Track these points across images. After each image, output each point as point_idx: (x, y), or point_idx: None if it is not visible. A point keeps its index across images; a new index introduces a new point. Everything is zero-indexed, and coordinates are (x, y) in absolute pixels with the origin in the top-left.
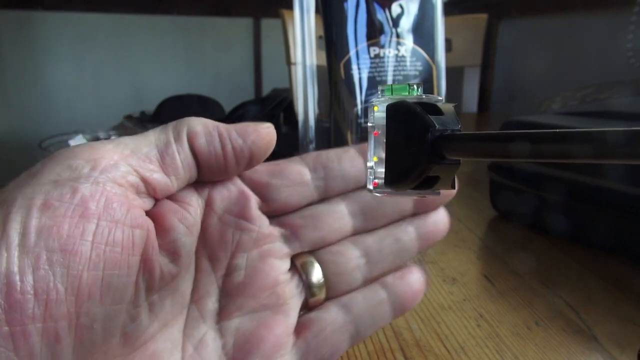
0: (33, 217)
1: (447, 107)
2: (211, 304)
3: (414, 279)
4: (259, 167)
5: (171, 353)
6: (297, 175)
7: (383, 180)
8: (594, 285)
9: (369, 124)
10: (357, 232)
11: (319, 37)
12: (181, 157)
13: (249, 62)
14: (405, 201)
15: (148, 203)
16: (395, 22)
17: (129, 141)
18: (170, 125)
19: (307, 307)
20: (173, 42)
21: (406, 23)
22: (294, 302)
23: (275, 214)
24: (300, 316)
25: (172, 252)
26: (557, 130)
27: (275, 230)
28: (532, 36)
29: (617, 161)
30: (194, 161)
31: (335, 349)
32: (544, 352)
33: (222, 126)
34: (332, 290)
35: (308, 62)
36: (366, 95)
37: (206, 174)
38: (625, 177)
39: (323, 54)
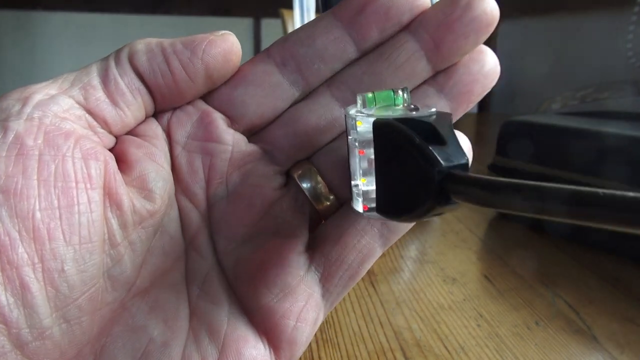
0: None
1: (446, 128)
2: (204, 241)
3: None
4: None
5: (177, 299)
6: (263, 76)
7: (374, 204)
8: (594, 285)
9: (350, 138)
10: None
11: None
12: (125, 80)
13: None
14: (420, 66)
15: (105, 140)
16: None
17: (69, 75)
18: (113, 51)
19: (321, 219)
20: None
21: None
22: (298, 219)
23: (254, 130)
24: (313, 230)
25: (142, 187)
26: (598, 190)
27: (254, 148)
28: (532, 36)
29: None
30: (142, 85)
31: (364, 253)
32: (544, 352)
33: (167, 41)
34: (344, 193)
35: None
36: None
37: (161, 99)
38: (626, 178)
39: None
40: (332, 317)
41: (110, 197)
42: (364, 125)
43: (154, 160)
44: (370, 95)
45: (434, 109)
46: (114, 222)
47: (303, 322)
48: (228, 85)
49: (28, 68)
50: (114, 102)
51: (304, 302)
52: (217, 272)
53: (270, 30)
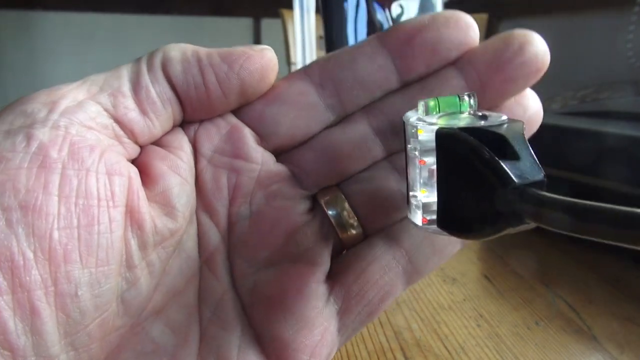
0: None
1: (518, 140)
2: (221, 261)
3: None
4: None
5: (188, 321)
6: (299, 96)
7: (434, 217)
8: (594, 285)
9: (410, 147)
10: (392, 154)
11: (319, 37)
12: (157, 89)
13: None
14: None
15: (130, 150)
16: (396, 22)
17: (98, 77)
18: (146, 54)
19: (343, 249)
20: (173, 42)
21: None
22: (321, 246)
23: (282, 150)
24: (336, 260)
25: (165, 204)
26: None
27: (282, 168)
28: None
29: None
30: (173, 95)
31: (385, 291)
32: (544, 352)
33: (204, 51)
34: (371, 225)
35: (308, 62)
36: None
37: (191, 111)
38: (626, 178)
39: (323, 54)
40: None
41: (132, 216)
42: (425, 134)
43: (178, 174)
44: (432, 102)
45: (504, 117)
46: (134, 243)
47: (316, 357)
48: (261, 101)
49: (28, 68)
50: (144, 112)
51: (319, 336)
52: (232, 296)
53: (270, 30)
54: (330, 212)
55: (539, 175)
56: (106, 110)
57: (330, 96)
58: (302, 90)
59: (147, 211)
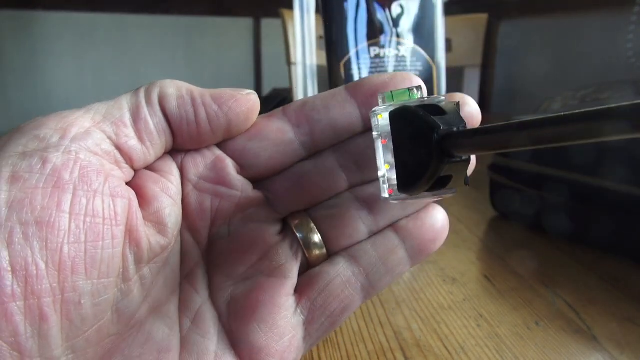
0: (2, 191)
1: (450, 106)
2: (201, 275)
3: (433, 218)
4: None
5: (170, 329)
6: (277, 134)
7: (396, 187)
8: (594, 285)
9: (375, 133)
10: (354, 186)
11: (319, 37)
12: (154, 121)
13: (249, 62)
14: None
15: (127, 174)
16: (396, 22)
17: (101, 107)
18: (143, 88)
19: (309, 266)
20: (173, 42)
21: (406, 23)
22: (291, 263)
23: (259, 179)
24: (302, 276)
25: (158, 222)
26: (557, 114)
27: (259, 194)
28: (532, 36)
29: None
30: (167, 126)
31: (346, 304)
32: (544, 352)
33: (197, 90)
34: (334, 246)
35: (308, 62)
36: None
37: (181, 142)
38: (626, 178)
39: (323, 54)
40: None
41: (130, 234)
42: (384, 118)
43: (169, 196)
44: (389, 93)
45: (443, 97)
46: (131, 259)
47: None
48: (244, 136)
49: (28, 68)
50: (141, 140)
51: (288, 342)
52: (209, 307)
53: (270, 30)
54: (299, 235)
55: (462, 123)
56: (109, 138)
57: (304, 135)
58: (280, 129)
59: (144, 230)
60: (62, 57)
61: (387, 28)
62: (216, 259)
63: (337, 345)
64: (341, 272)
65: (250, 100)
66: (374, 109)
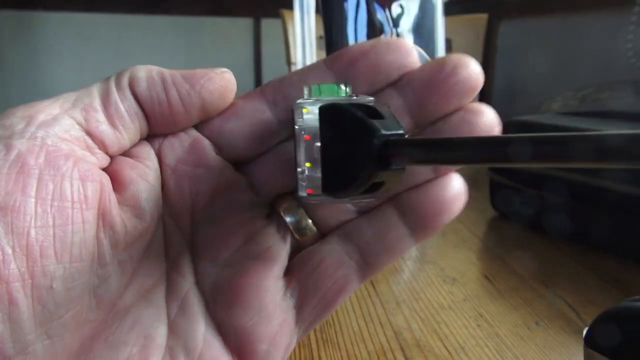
0: None
1: (385, 109)
2: (186, 262)
3: (440, 189)
4: None
5: (156, 317)
6: (254, 113)
7: (320, 187)
8: (594, 285)
9: (297, 127)
10: None
11: (319, 37)
12: (125, 105)
13: (249, 62)
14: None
15: (101, 159)
16: (396, 22)
17: (70, 95)
18: (113, 74)
19: (302, 249)
20: (173, 42)
21: (406, 23)
22: (278, 246)
23: (241, 160)
24: (294, 258)
25: (135, 206)
26: (501, 136)
27: (240, 177)
28: (532, 36)
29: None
30: (140, 110)
31: (340, 284)
32: (544, 352)
33: (167, 72)
34: (325, 226)
35: (308, 62)
36: None
37: (156, 125)
38: (626, 178)
39: (323, 54)
40: (332, 317)
41: (104, 217)
42: (310, 113)
43: (146, 181)
44: (315, 86)
45: (371, 98)
46: (106, 242)
47: (275, 347)
48: (221, 117)
49: (28, 68)
50: (113, 125)
51: (278, 327)
52: (196, 293)
53: (270, 30)
54: (287, 219)
55: (400, 129)
56: (79, 124)
57: (282, 112)
58: (257, 107)
59: (118, 213)
60: (62, 57)
61: (387, 28)
62: (200, 244)
63: (337, 345)
64: (333, 250)
65: (224, 78)
66: (298, 101)
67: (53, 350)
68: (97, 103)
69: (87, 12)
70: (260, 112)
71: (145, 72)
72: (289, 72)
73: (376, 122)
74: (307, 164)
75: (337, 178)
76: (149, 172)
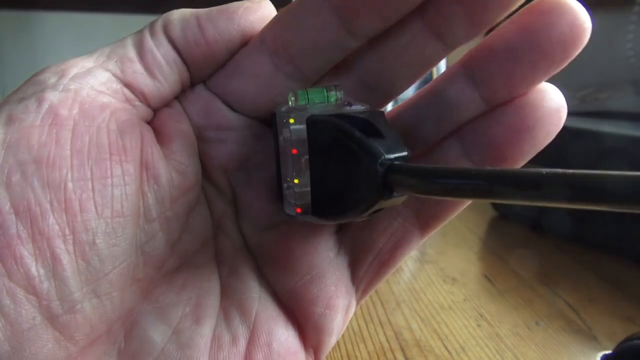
0: None
1: (381, 122)
2: (230, 223)
3: (519, 113)
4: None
5: (208, 277)
6: (254, 67)
7: (309, 205)
8: (594, 285)
9: (281, 138)
10: None
11: None
12: (161, 51)
13: None
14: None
15: (144, 112)
16: None
17: (104, 49)
18: (148, 23)
19: None
20: None
21: None
22: None
23: (261, 119)
24: None
25: (179, 161)
26: (525, 170)
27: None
28: None
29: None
30: (178, 56)
31: (397, 239)
32: (544, 352)
33: (203, 10)
34: None
35: None
36: None
37: (196, 70)
38: None
39: None
40: None
41: (147, 170)
42: (297, 123)
43: (189, 136)
44: (302, 91)
45: (367, 105)
46: (151, 196)
47: (332, 310)
48: (224, 73)
49: (28, 68)
50: (152, 74)
51: (332, 287)
52: (245, 254)
53: None
54: None
55: (403, 151)
56: (115, 75)
57: (286, 64)
58: (258, 61)
59: (163, 166)
60: (62, 57)
61: None
62: (242, 205)
63: (337, 345)
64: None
65: (263, 6)
66: (283, 109)
67: (102, 309)
68: (132, 53)
69: (87, 12)
70: (262, 65)
71: (178, 14)
72: (283, 10)
73: (377, 144)
74: (295, 181)
75: (331, 202)
76: (189, 128)
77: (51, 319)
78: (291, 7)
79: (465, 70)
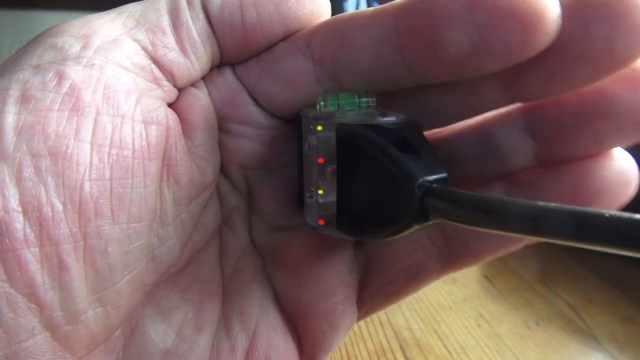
0: (9, 112)
1: (417, 136)
2: (241, 220)
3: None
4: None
5: (211, 278)
6: (295, 74)
7: (334, 218)
8: (594, 285)
9: (306, 144)
10: None
11: None
12: (197, 26)
13: None
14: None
15: (170, 93)
16: None
17: (135, 7)
18: None
19: None
20: None
21: None
22: None
23: (287, 119)
24: None
25: (202, 156)
26: (602, 211)
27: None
28: None
29: None
30: (213, 34)
31: (413, 272)
32: (544, 352)
33: None
34: None
35: None
36: None
37: (227, 54)
38: None
39: None
40: None
41: (169, 169)
42: (325, 130)
43: (215, 127)
44: (332, 97)
45: (401, 115)
46: (169, 198)
47: (334, 329)
48: (258, 67)
49: None
50: (184, 52)
51: (340, 306)
52: (252, 253)
53: None
54: None
55: (443, 172)
56: (144, 49)
57: (328, 79)
58: (298, 66)
59: (186, 164)
60: None
61: None
62: (256, 203)
63: None
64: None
65: (317, 2)
66: (309, 113)
67: (106, 319)
68: (165, 22)
69: (87, 12)
70: (301, 73)
71: None
72: (343, 17)
73: (414, 164)
74: (320, 191)
75: (358, 218)
76: (214, 117)
77: (52, 329)
78: (352, 20)
79: (526, 121)
